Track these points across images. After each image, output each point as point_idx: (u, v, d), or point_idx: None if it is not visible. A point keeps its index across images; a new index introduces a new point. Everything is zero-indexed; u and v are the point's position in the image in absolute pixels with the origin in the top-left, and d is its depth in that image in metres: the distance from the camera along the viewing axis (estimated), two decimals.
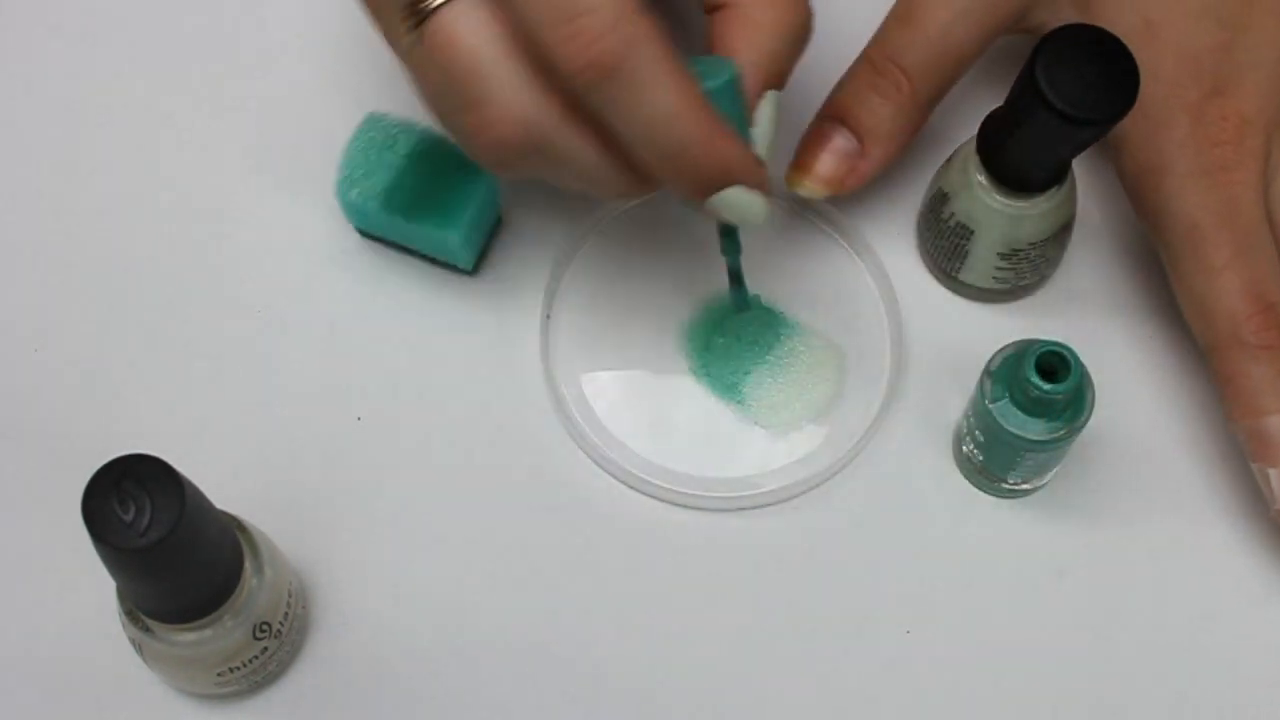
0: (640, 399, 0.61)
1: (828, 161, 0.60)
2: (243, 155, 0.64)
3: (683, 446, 0.60)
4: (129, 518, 0.47)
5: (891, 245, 0.63)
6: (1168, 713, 0.58)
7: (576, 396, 0.61)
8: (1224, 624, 0.59)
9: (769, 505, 0.60)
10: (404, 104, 0.61)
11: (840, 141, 0.60)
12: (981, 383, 0.56)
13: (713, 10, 0.54)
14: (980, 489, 0.60)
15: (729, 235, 0.57)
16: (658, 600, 0.59)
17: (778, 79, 0.54)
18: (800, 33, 0.54)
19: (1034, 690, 0.58)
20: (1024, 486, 0.60)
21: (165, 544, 0.47)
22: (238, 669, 0.54)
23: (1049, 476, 0.60)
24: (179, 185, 0.64)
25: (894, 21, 0.60)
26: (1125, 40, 0.53)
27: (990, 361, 0.56)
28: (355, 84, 0.64)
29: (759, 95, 0.54)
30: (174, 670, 0.54)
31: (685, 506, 0.60)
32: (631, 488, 0.60)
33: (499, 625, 0.58)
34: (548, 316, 0.62)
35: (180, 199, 0.64)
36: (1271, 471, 0.56)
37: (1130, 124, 0.56)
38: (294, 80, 0.65)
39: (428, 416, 0.61)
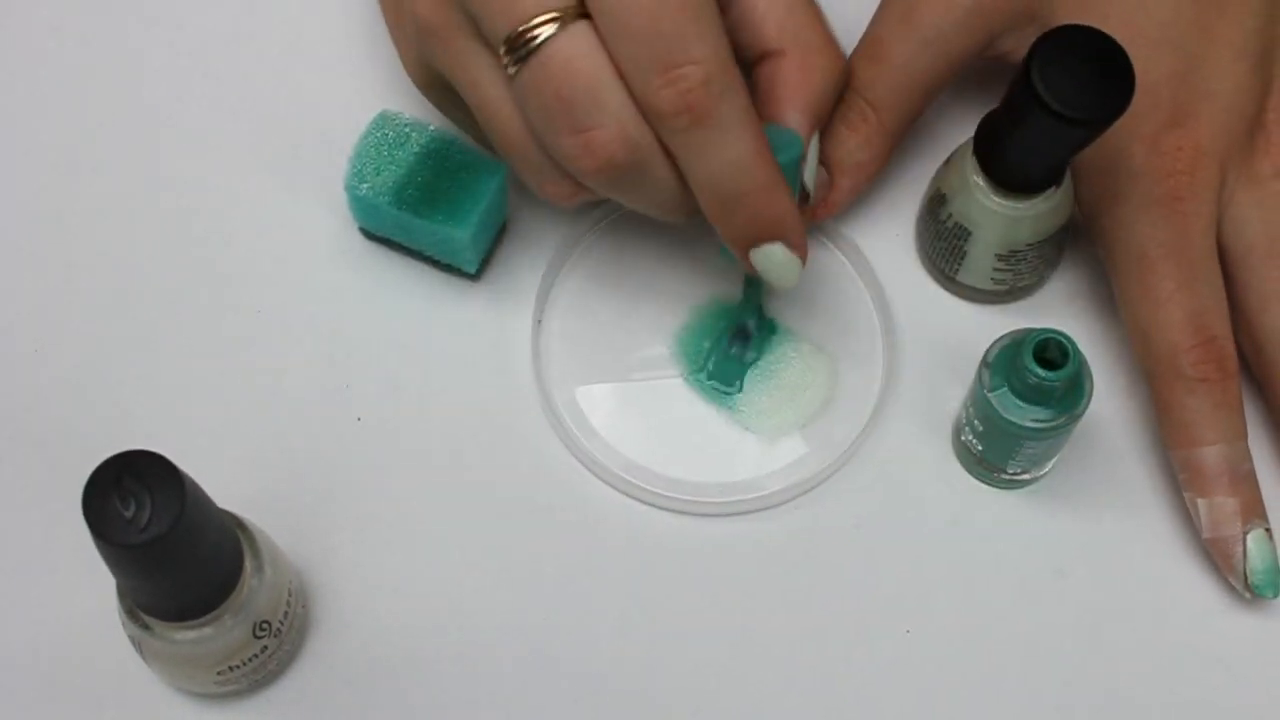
0: (634, 404, 0.61)
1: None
2: (245, 155, 0.64)
3: (678, 451, 0.60)
4: (129, 514, 0.47)
5: (890, 246, 0.63)
6: (1168, 710, 0.58)
7: (569, 401, 0.61)
8: (1223, 618, 0.59)
9: (766, 509, 0.60)
10: (411, 103, 0.61)
11: None
12: (979, 373, 0.56)
13: (760, 60, 0.56)
14: (980, 480, 0.60)
15: (752, 286, 0.60)
16: (655, 602, 0.59)
17: (822, 122, 0.57)
18: (843, 79, 0.57)
19: (1035, 689, 0.58)
20: (1023, 476, 0.60)
21: (165, 540, 0.47)
22: (237, 668, 0.54)
23: (1049, 466, 0.60)
24: (180, 185, 0.64)
25: (860, 57, 0.61)
26: None
27: (987, 353, 0.56)
28: (357, 85, 0.64)
29: (809, 139, 0.56)
30: (174, 669, 0.54)
31: (681, 512, 0.60)
32: (627, 494, 0.60)
33: (498, 626, 0.58)
34: (538, 321, 0.62)
35: (181, 199, 0.64)
36: (1200, 501, 0.57)
37: (1088, 151, 0.56)
38: (295, 81, 0.65)
39: (428, 418, 0.61)
